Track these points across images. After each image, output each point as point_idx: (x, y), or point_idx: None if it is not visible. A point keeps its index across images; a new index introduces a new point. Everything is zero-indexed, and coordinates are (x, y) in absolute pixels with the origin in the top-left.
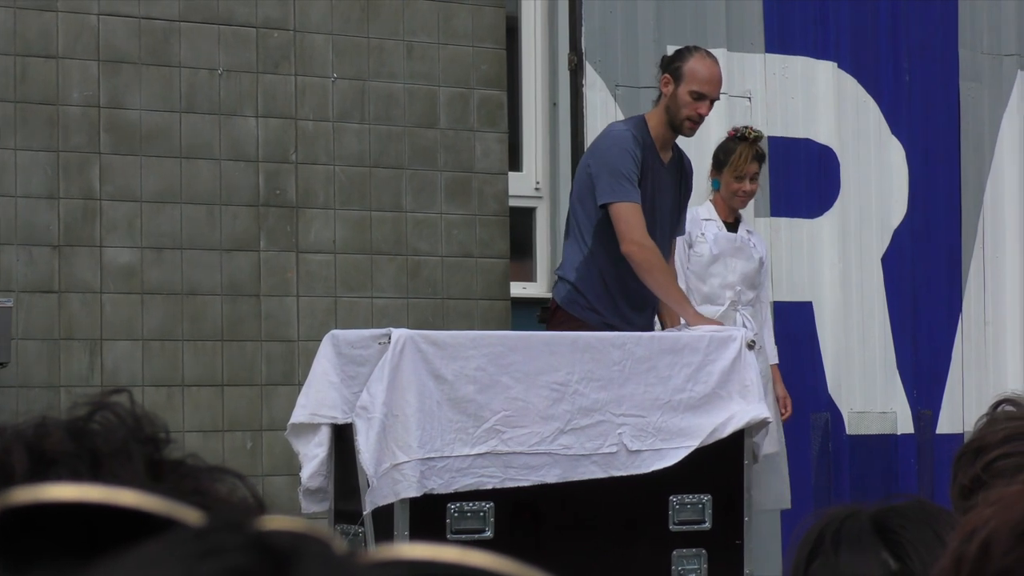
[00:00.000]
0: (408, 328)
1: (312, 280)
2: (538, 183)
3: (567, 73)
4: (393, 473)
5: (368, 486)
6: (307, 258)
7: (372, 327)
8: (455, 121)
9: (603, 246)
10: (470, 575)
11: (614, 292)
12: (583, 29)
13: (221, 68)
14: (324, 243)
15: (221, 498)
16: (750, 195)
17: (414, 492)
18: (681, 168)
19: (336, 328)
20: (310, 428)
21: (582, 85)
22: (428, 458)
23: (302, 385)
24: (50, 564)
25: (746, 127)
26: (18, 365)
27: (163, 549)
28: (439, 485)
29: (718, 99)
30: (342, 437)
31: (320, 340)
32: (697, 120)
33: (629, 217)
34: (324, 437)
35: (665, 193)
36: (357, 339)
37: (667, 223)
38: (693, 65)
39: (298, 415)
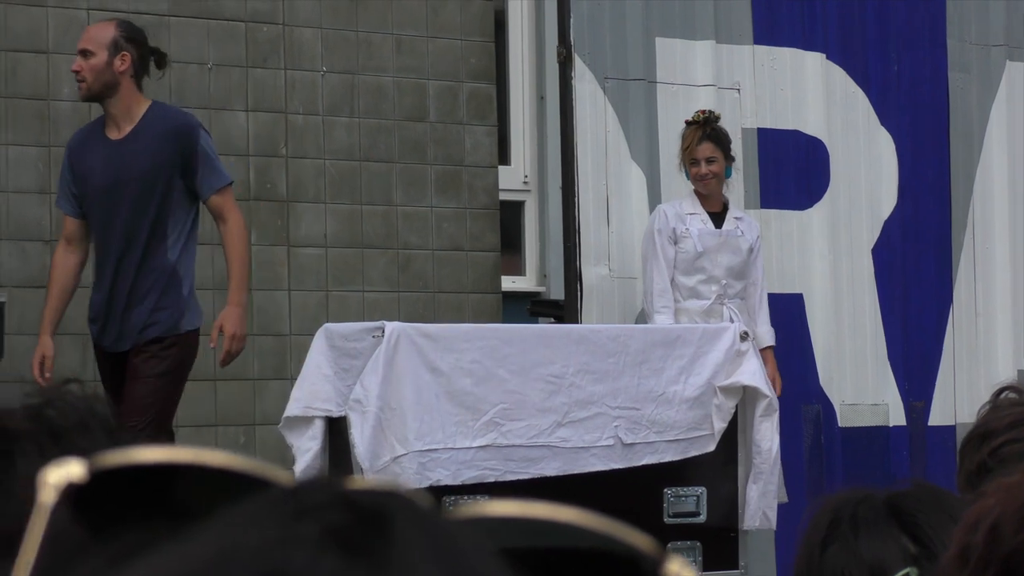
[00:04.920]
0: (400, 321)
1: (303, 274)
2: (526, 177)
3: (555, 66)
4: (393, 466)
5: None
6: (298, 252)
7: (364, 320)
8: (445, 115)
9: None
10: (558, 530)
11: None
12: (571, 21)
13: (211, 62)
14: (315, 237)
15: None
16: (711, 177)
17: (415, 484)
18: (163, 132)
19: (328, 322)
20: (304, 421)
21: (571, 77)
22: (430, 450)
23: (294, 379)
24: (134, 526)
25: (697, 111)
26: (11, 360)
27: (258, 510)
28: (446, 476)
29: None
30: (336, 430)
31: (312, 334)
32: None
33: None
34: (318, 430)
35: (123, 164)
36: (350, 332)
37: (130, 193)
38: None
39: (292, 408)
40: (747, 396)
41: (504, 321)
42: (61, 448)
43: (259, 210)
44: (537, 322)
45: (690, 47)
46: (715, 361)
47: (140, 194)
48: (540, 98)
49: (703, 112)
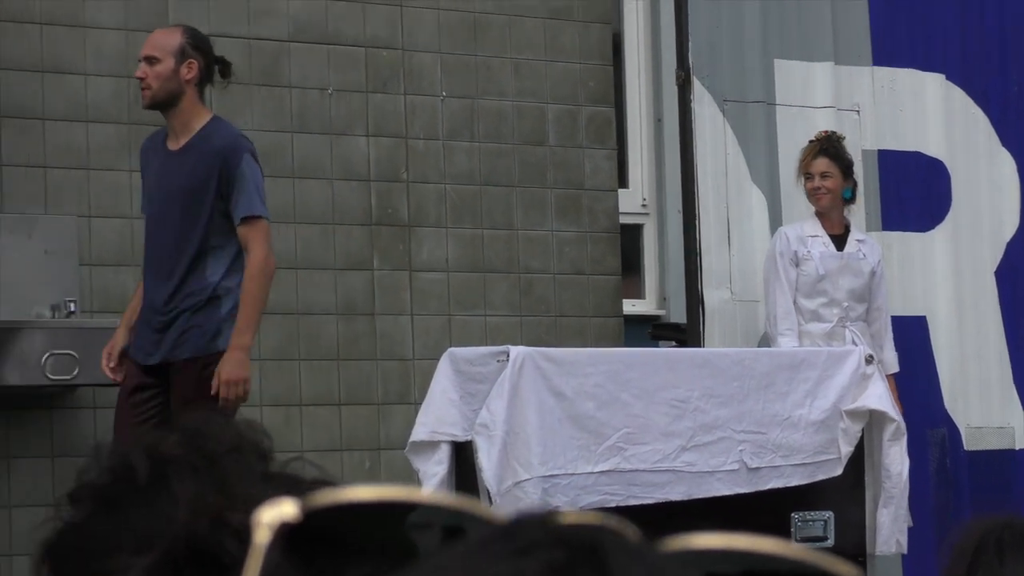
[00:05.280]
0: (522, 345)
1: (425, 298)
2: (645, 200)
3: (672, 89)
4: (515, 491)
5: (491, 504)
6: (420, 276)
7: (486, 345)
8: (564, 138)
9: None
10: (762, 560)
11: None
12: (690, 44)
13: (331, 88)
14: (437, 261)
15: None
16: (825, 192)
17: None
18: (209, 149)
19: (450, 346)
20: (430, 446)
21: (690, 100)
22: (551, 475)
23: (418, 403)
24: (346, 563)
25: (820, 132)
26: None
27: (479, 547)
28: (564, 503)
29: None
30: (461, 455)
31: (434, 358)
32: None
33: None
34: (444, 455)
35: (173, 176)
36: (475, 357)
37: (178, 208)
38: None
39: (418, 433)
40: (874, 420)
41: (625, 345)
42: (215, 472)
43: (381, 235)
44: (658, 345)
45: (809, 69)
46: (840, 384)
47: (187, 209)
48: (657, 120)
49: (825, 132)
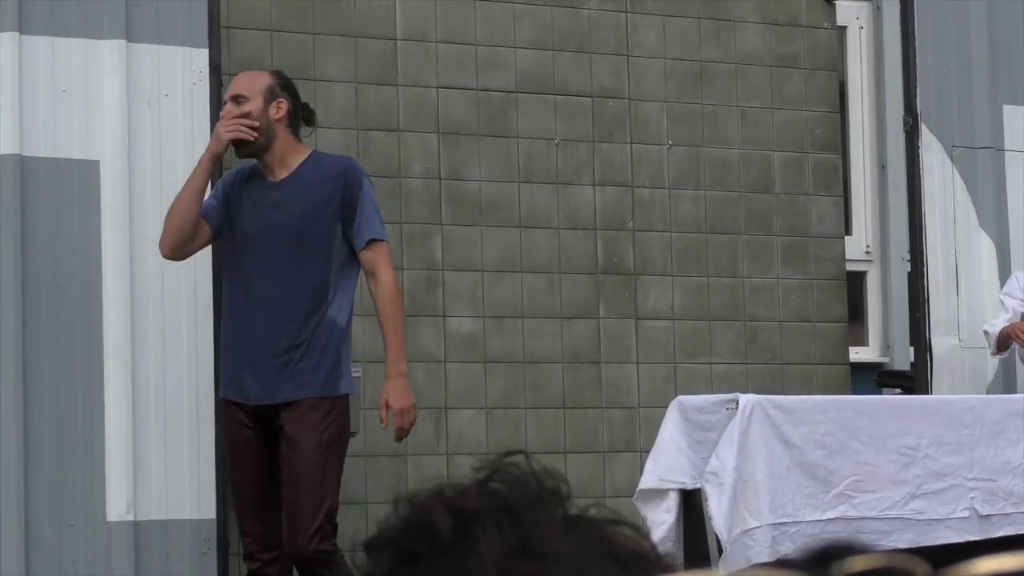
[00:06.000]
0: (749, 393)
1: (651, 346)
2: (868, 246)
3: (896, 135)
4: (744, 539)
5: (721, 552)
6: (646, 324)
7: (711, 393)
8: (790, 186)
9: None
10: None
11: None
12: (918, 91)
13: (557, 138)
14: (663, 309)
15: (623, 545)
16: None
17: (766, 558)
18: (327, 175)
19: (676, 394)
20: (658, 494)
21: (918, 147)
22: (779, 523)
23: (643, 451)
24: None
25: None
26: (365, 434)
27: None
28: (792, 551)
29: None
30: (689, 503)
31: (660, 406)
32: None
33: None
34: (672, 503)
35: (281, 206)
36: (704, 404)
37: (289, 238)
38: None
39: (646, 481)
40: None
41: (850, 392)
42: (519, 527)
43: (607, 283)
44: (881, 393)
45: None
46: None
47: (298, 242)
48: (880, 167)
49: None
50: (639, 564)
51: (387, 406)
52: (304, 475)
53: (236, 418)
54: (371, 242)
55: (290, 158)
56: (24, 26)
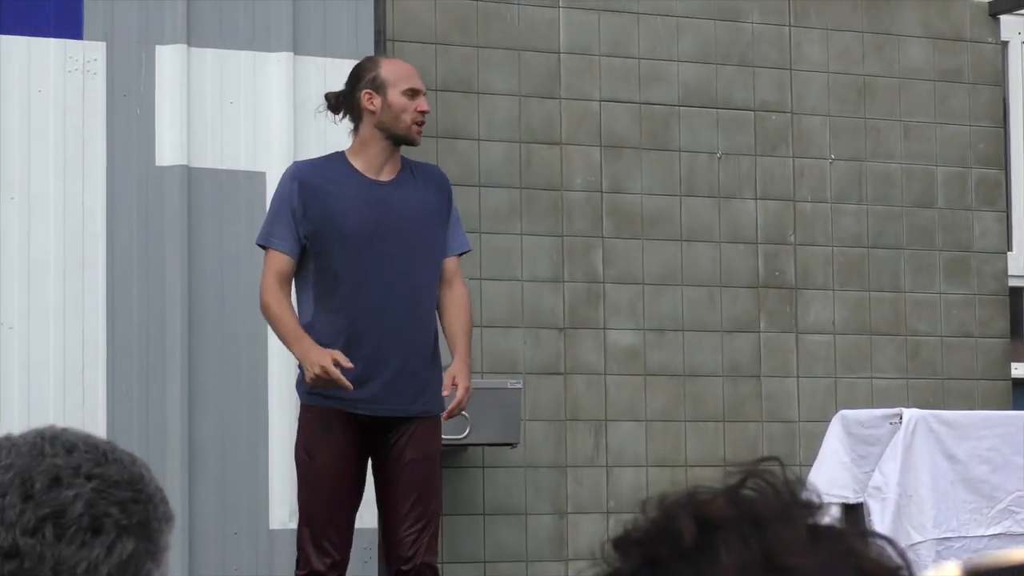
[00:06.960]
0: (910, 408)
1: (812, 361)
2: None
3: None
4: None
5: None
6: (807, 339)
7: (872, 407)
8: (953, 201)
9: None
10: None
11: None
12: None
13: (720, 151)
14: (823, 324)
15: (872, 560)
16: None
17: (930, 573)
18: (426, 180)
19: (836, 408)
20: None
21: None
22: (944, 538)
23: (803, 465)
24: None
25: None
26: (526, 446)
27: None
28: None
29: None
30: (851, 517)
31: (820, 420)
32: (422, 121)
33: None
34: (834, 517)
35: (399, 206)
36: (867, 419)
37: (411, 242)
38: (390, 68)
39: None
40: None
41: (1013, 408)
42: (764, 538)
43: (768, 297)
44: None
45: None
46: None
47: (417, 244)
48: None
49: None
50: None
51: (454, 381)
52: (432, 487)
53: (344, 428)
54: (459, 252)
55: (394, 158)
56: (192, 38)
